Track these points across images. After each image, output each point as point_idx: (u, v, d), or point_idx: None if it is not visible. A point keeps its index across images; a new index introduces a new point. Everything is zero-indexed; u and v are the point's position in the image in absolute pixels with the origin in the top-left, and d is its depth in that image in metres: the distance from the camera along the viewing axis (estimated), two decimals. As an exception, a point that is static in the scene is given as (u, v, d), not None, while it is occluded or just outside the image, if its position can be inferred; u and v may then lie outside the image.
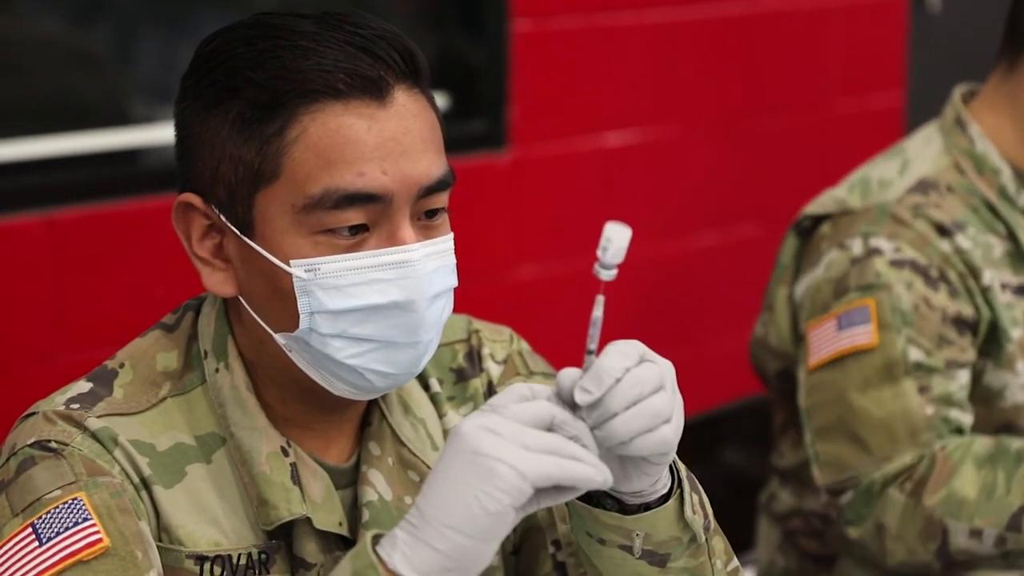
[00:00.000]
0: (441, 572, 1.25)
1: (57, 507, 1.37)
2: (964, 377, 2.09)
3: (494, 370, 1.61)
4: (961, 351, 2.09)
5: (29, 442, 1.41)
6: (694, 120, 3.58)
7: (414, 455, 1.52)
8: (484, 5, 3.19)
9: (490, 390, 1.60)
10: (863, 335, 2.08)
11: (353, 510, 1.49)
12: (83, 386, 1.46)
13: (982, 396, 2.15)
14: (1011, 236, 2.17)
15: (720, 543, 1.49)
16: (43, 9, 2.79)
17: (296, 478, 1.45)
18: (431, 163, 1.41)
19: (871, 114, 3.93)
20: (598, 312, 1.30)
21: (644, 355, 1.32)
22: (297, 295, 1.39)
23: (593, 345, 1.31)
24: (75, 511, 1.36)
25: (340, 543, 1.47)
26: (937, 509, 2.01)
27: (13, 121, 2.67)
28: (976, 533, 2.01)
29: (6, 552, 1.36)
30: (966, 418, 2.08)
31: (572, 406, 1.30)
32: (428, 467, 1.51)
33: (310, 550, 1.45)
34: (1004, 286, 2.14)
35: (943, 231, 2.12)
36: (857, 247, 2.13)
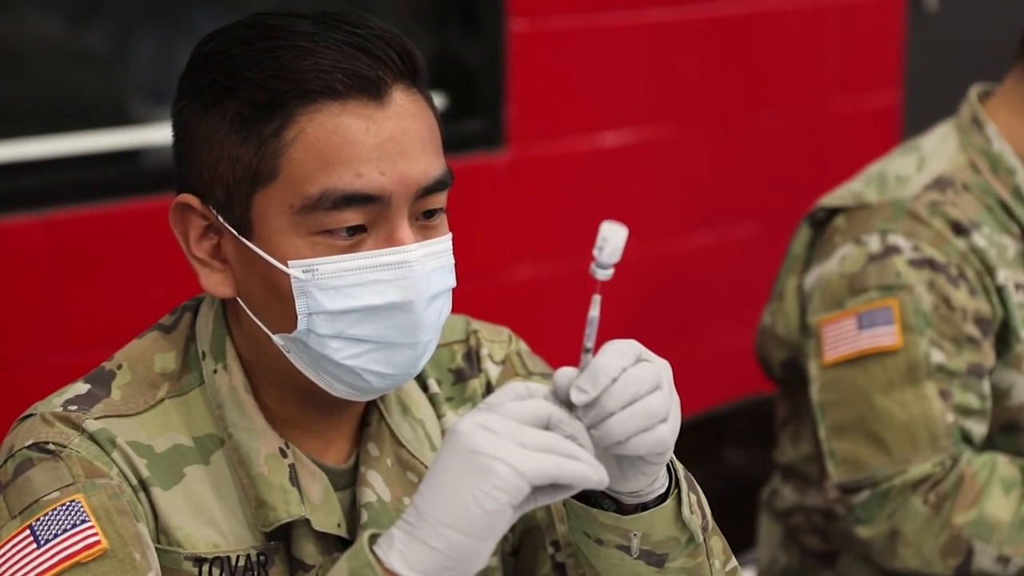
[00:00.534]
0: (439, 571, 1.25)
1: (55, 509, 1.36)
2: (985, 387, 2.10)
3: (492, 371, 1.61)
4: (984, 355, 2.10)
5: (27, 444, 1.40)
6: (691, 120, 3.58)
7: (413, 456, 1.52)
8: (481, 5, 3.18)
9: (488, 390, 1.60)
10: (887, 336, 2.09)
11: (352, 511, 1.49)
12: (81, 388, 1.46)
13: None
14: None
15: (718, 543, 1.49)
16: (41, 9, 2.79)
17: (294, 479, 1.45)
18: (429, 163, 1.41)
19: (868, 113, 3.93)
20: (595, 311, 1.30)
21: (641, 354, 1.32)
22: (295, 296, 1.39)
23: (590, 344, 1.31)
24: (73, 513, 1.36)
25: (339, 544, 1.47)
26: (966, 529, 2.05)
27: (10, 121, 2.67)
28: (1003, 559, 2.06)
29: (4, 554, 1.35)
30: (979, 429, 2.10)
31: (569, 405, 1.30)
32: (427, 468, 1.51)
33: (308, 551, 1.45)
34: (1018, 286, 2.16)
35: (959, 229, 2.13)
36: (874, 244, 2.14)
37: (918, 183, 2.18)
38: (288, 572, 1.45)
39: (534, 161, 3.28)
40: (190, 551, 1.42)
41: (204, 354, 1.48)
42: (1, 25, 2.72)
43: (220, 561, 1.43)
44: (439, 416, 1.57)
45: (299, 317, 1.39)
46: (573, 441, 1.28)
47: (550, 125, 3.30)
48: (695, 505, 1.43)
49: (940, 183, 2.18)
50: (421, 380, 1.58)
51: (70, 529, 1.35)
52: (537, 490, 1.27)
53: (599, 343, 1.31)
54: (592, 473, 1.27)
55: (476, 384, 1.60)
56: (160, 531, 1.42)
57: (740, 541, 2.04)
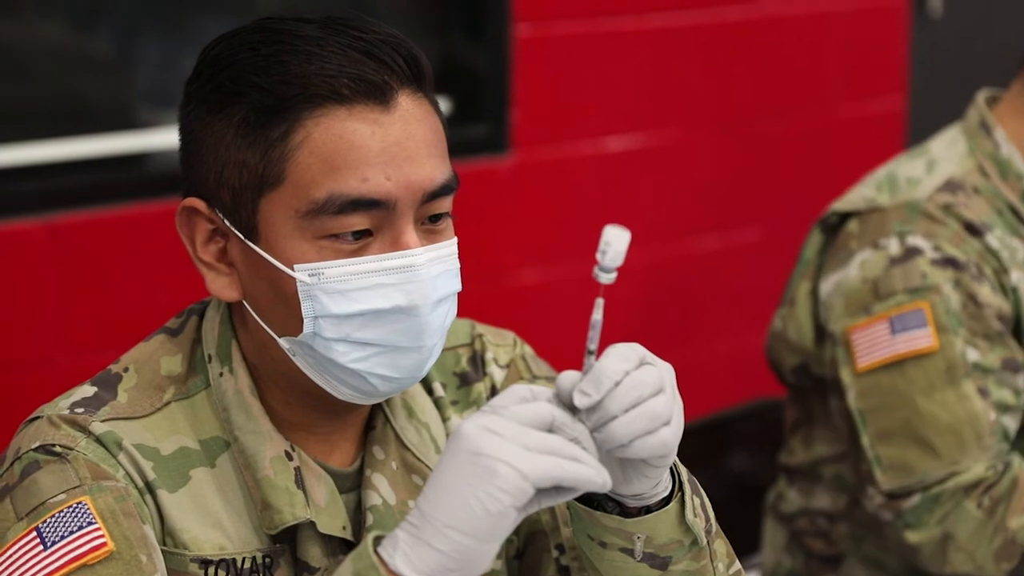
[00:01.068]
0: (442, 572, 1.25)
1: (61, 511, 1.37)
2: (1020, 381, 2.12)
3: (497, 374, 1.61)
4: (1014, 349, 2.11)
5: (33, 446, 1.41)
6: (695, 125, 3.58)
7: (418, 459, 1.52)
8: (486, 10, 3.19)
9: (493, 394, 1.60)
10: (923, 339, 2.10)
11: (357, 514, 1.49)
12: (87, 390, 1.46)
13: None
14: None
15: (722, 546, 1.49)
16: (47, 14, 2.79)
17: (300, 482, 1.45)
18: (435, 168, 1.41)
19: (873, 118, 3.94)
20: (598, 315, 1.30)
21: (644, 358, 1.32)
22: (301, 299, 1.39)
23: (593, 347, 1.31)
24: (80, 515, 1.36)
25: (344, 547, 1.47)
26: (1021, 533, 2.06)
27: (16, 125, 2.68)
28: None
29: (10, 556, 1.36)
30: (1014, 425, 2.12)
31: (572, 409, 1.30)
32: (432, 471, 1.51)
33: (314, 554, 1.45)
34: None
35: (973, 230, 2.14)
36: (894, 247, 2.14)
37: (930, 185, 2.19)
38: (293, 574, 1.46)
39: (538, 166, 3.28)
40: (196, 553, 1.42)
41: (210, 357, 1.49)
42: (7, 29, 2.73)
43: (226, 563, 1.43)
44: (444, 420, 1.58)
45: (305, 321, 1.40)
46: (576, 444, 1.29)
47: (554, 130, 3.31)
48: (698, 508, 1.44)
49: (951, 185, 2.18)
50: (426, 384, 1.58)
51: (76, 531, 1.35)
52: (541, 492, 1.27)
53: (603, 347, 1.32)
54: (595, 476, 1.27)
55: (481, 388, 1.61)
56: (166, 533, 1.42)
57: (745, 545, 2.04)
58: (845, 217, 2.23)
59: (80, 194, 2.67)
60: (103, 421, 1.43)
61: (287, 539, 1.46)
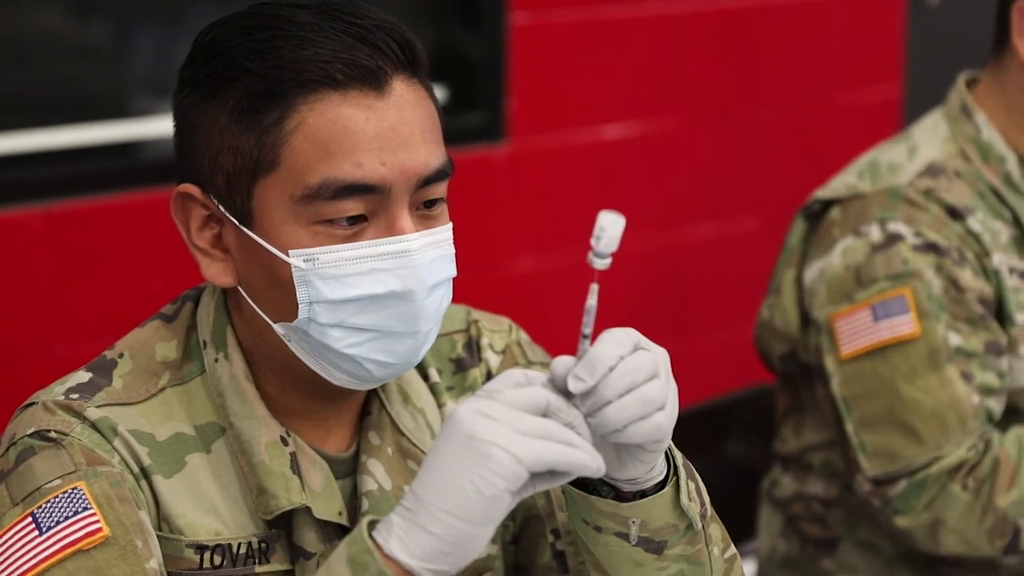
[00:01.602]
0: (437, 556, 1.25)
1: (57, 496, 1.37)
2: (1003, 364, 2.13)
3: (493, 360, 1.62)
4: (996, 332, 2.12)
5: (29, 432, 1.41)
6: (692, 113, 3.58)
7: (413, 445, 1.53)
8: (482, -2, 3.19)
9: (489, 380, 1.59)
10: (905, 325, 2.10)
11: (353, 499, 1.50)
12: (82, 376, 1.46)
13: None
14: (1016, 222, 2.20)
15: (717, 530, 1.49)
16: (43, 2, 2.79)
17: (296, 467, 1.45)
18: (429, 153, 1.41)
19: (869, 106, 3.94)
20: (592, 300, 1.31)
21: (638, 343, 1.33)
22: (296, 285, 1.39)
23: (587, 332, 1.31)
24: (75, 500, 1.37)
25: (340, 532, 1.47)
26: (1011, 510, 2.07)
27: (12, 113, 2.68)
28: None
29: (6, 541, 1.36)
30: (999, 407, 2.12)
31: (566, 393, 1.30)
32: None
33: (310, 539, 1.46)
34: (1011, 270, 2.17)
35: (955, 214, 2.14)
36: (875, 233, 2.14)
37: (911, 170, 2.19)
38: (289, 560, 1.46)
39: (535, 154, 3.28)
40: (192, 538, 1.43)
41: (205, 343, 1.49)
42: (3, 17, 2.73)
43: (222, 548, 1.43)
44: (440, 405, 1.58)
45: (300, 306, 1.40)
46: (571, 429, 1.29)
47: (551, 118, 3.31)
48: (693, 492, 1.44)
49: (932, 170, 2.18)
50: (422, 369, 1.58)
51: (72, 516, 1.36)
52: (535, 477, 1.27)
53: (598, 332, 1.32)
54: (589, 461, 1.27)
55: (477, 373, 1.61)
56: (162, 519, 1.42)
57: (741, 531, 2.04)
58: (828, 205, 2.24)
59: (76, 182, 2.67)
60: (98, 407, 1.43)
61: (283, 524, 1.46)
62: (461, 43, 3.25)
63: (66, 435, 1.40)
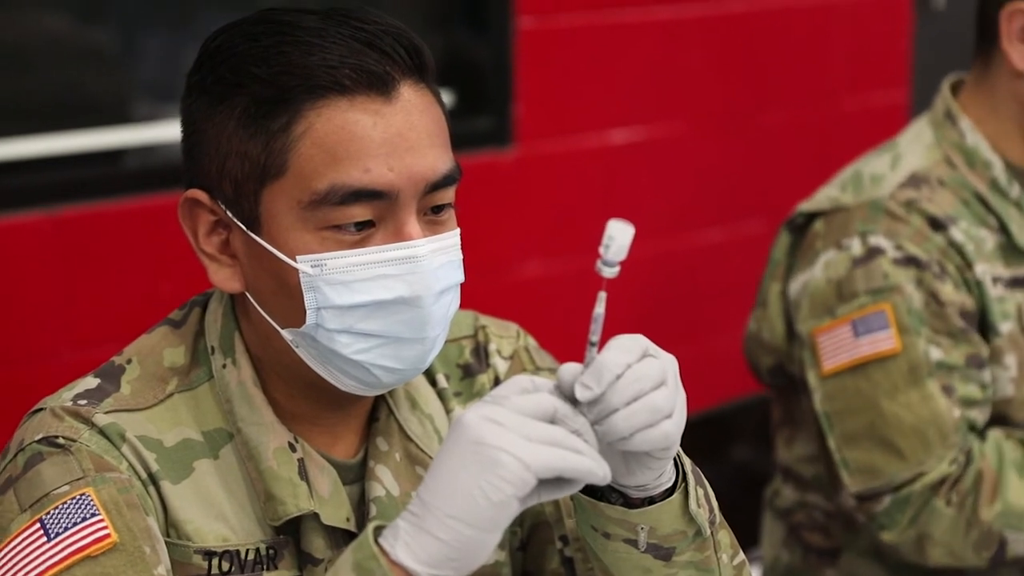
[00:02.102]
0: (444, 562, 1.25)
1: (65, 503, 1.37)
2: (986, 376, 2.11)
3: (501, 366, 1.61)
4: (978, 345, 2.10)
5: (37, 438, 1.41)
6: (699, 117, 3.58)
7: (421, 450, 1.52)
8: (490, 3, 3.19)
9: (497, 385, 1.59)
10: (885, 341, 2.09)
11: (360, 505, 1.50)
12: (90, 382, 1.46)
13: None
14: (1003, 229, 2.17)
15: (726, 537, 1.49)
16: (48, 7, 2.79)
17: (303, 473, 1.45)
18: (437, 158, 1.41)
19: (876, 111, 3.94)
20: (600, 309, 1.30)
21: (647, 350, 1.32)
22: (303, 291, 1.39)
23: (595, 339, 1.31)
24: (83, 507, 1.37)
25: (347, 538, 1.47)
26: (996, 522, 2.07)
27: (20, 119, 2.68)
28: None
29: (14, 547, 1.36)
30: (983, 417, 2.11)
31: (573, 401, 1.30)
32: (434, 461, 1.51)
33: (318, 545, 1.46)
34: (996, 279, 2.15)
35: (936, 225, 2.12)
36: (856, 247, 2.13)
37: (893, 181, 2.17)
38: (297, 566, 1.46)
39: (542, 159, 3.28)
40: (200, 544, 1.42)
41: (213, 349, 1.49)
42: (9, 23, 2.73)
43: (230, 555, 1.43)
44: (447, 411, 1.58)
45: (307, 312, 1.40)
46: (578, 436, 1.29)
47: (558, 123, 3.31)
48: (702, 499, 1.44)
49: (915, 180, 2.17)
50: (430, 375, 1.58)
51: (80, 523, 1.36)
52: (541, 485, 1.27)
53: (607, 337, 1.32)
54: (596, 468, 1.27)
55: (484, 379, 1.61)
56: (170, 525, 1.42)
57: (746, 538, 2.03)
58: (812, 217, 2.23)
59: (83, 187, 2.67)
60: (106, 413, 1.43)
61: (291, 531, 1.46)
62: (468, 48, 3.26)
63: (74, 441, 1.40)
